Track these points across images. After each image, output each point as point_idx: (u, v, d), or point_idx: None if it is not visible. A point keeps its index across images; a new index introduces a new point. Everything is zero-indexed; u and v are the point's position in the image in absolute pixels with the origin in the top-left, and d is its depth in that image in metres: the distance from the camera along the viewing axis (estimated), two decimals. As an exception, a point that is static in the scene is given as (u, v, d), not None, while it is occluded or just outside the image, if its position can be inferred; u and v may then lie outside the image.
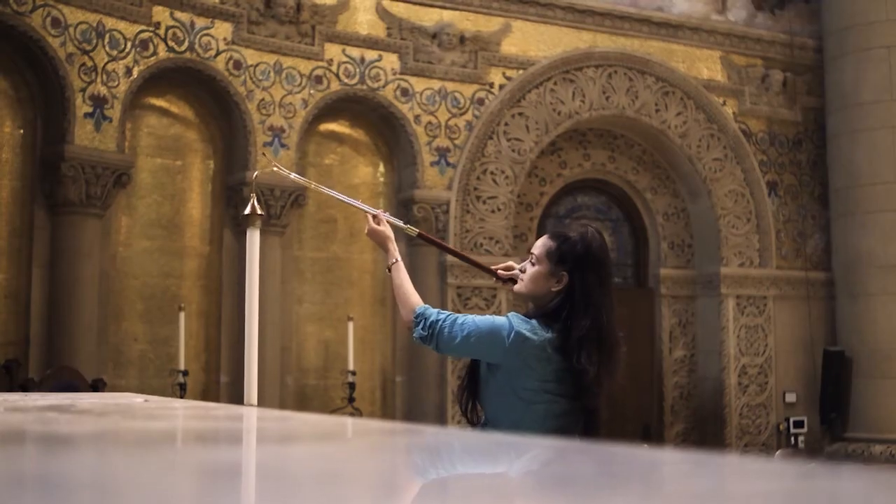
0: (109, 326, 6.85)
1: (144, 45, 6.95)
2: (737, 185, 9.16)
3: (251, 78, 7.37)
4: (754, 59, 9.40)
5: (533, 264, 2.86)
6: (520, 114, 8.30)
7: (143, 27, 6.95)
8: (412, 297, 2.99)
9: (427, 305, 2.95)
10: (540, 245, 2.88)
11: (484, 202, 8.11)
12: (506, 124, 8.24)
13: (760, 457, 8.37)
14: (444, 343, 2.82)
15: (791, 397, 9.16)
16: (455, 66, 8.12)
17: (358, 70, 7.78)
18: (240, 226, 6.86)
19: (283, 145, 7.46)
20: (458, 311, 7.78)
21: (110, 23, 6.80)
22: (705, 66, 9.20)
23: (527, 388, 2.75)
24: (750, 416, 8.99)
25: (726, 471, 1.16)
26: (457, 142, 8.06)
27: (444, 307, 7.88)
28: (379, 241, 3.14)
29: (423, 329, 2.85)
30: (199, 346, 7.23)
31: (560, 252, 2.82)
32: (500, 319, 2.80)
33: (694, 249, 9.31)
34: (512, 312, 2.86)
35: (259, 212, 3.13)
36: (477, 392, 2.90)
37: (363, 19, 7.86)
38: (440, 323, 2.83)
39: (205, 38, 7.21)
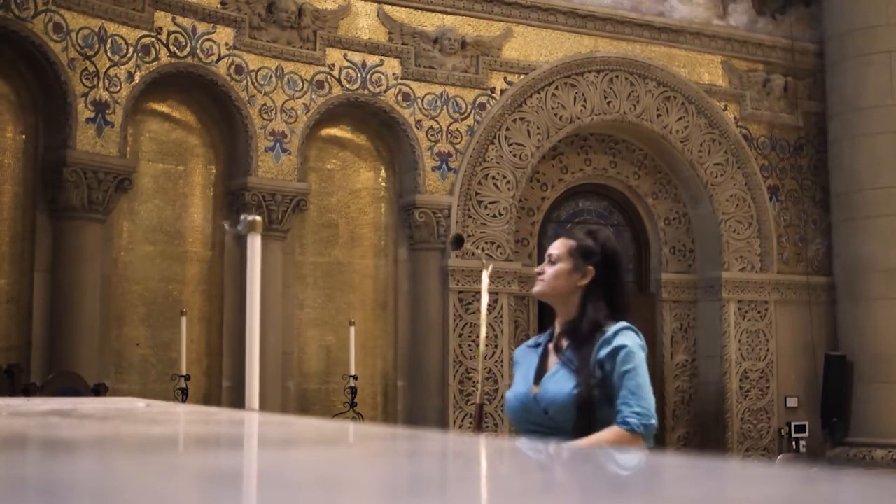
0: (111, 331, 6.85)
1: (146, 50, 6.96)
2: (738, 189, 9.16)
3: (253, 83, 7.38)
4: (755, 64, 9.41)
5: (553, 263, 2.87)
6: (521, 118, 8.31)
7: (145, 32, 6.96)
8: (609, 436, 2.67)
9: (617, 426, 2.66)
10: (559, 245, 2.90)
11: (485, 207, 8.11)
12: (507, 129, 8.24)
13: (762, 461, 8.36)
14: (650, 412, 2.67)
15: (792, 402, 9.15)
16: (456, 71, 8.12)
17: (359, 75, 7.78)
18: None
19: (284, 150, 7.46)
20: (460, 316, 7.84)
21: (112, 28, 6.81)
22: (706, 70, 9.20)
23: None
24: (751, 421, 8.98)
25: (728, 475, 1.16)
26: (458, 146, 8.07)
27: (445, 311, 7.91)
28: None
29: (640, 425, 2.64)
30: (201, 351, 7.24)
31: (582, 248, 2.85)
32: (633, 346, 2.75)
33: (695, 254, 9.31)
34: (622, 324, 2.79)
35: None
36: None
37: (365, 24, 7.87)
38: (636, 405, 2.66)
39: (206, 44, 7.22)
